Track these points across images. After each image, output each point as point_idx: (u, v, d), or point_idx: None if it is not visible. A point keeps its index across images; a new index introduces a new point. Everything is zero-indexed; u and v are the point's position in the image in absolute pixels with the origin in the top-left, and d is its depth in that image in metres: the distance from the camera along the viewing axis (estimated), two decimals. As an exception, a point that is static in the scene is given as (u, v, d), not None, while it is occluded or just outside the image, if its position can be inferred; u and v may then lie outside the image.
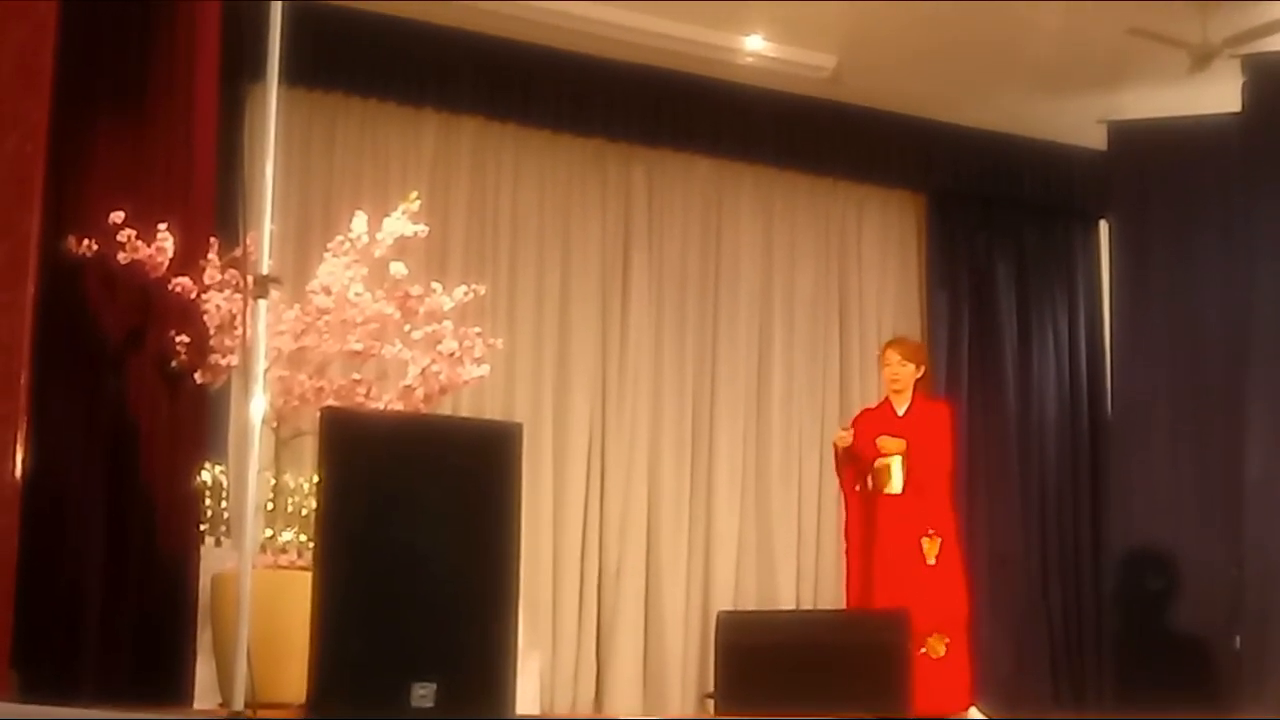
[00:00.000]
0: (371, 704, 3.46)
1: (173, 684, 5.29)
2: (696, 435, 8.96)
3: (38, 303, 4.72)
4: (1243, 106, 8.35)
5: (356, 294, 5.49)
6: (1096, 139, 9.28)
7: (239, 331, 4.89)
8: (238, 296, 5.12)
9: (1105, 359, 9.73)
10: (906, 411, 7.32)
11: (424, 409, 5.51)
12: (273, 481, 5.66)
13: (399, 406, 5.46)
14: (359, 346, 5.52)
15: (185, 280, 5.33)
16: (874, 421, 7.31)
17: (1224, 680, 7.99)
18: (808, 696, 5.56)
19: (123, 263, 5.25)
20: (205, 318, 5.34)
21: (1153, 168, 9.11)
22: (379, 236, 5.57)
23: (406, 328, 5.61)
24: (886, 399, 7.38)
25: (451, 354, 5.58)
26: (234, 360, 5.30)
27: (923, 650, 6.85)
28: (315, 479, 4.25)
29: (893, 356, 7.40)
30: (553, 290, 8.70)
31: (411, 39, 8.14)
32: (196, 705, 5.37)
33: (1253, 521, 8.02)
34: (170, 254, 5.30)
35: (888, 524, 7.14)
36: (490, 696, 3.64)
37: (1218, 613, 8.28)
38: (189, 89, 5.63)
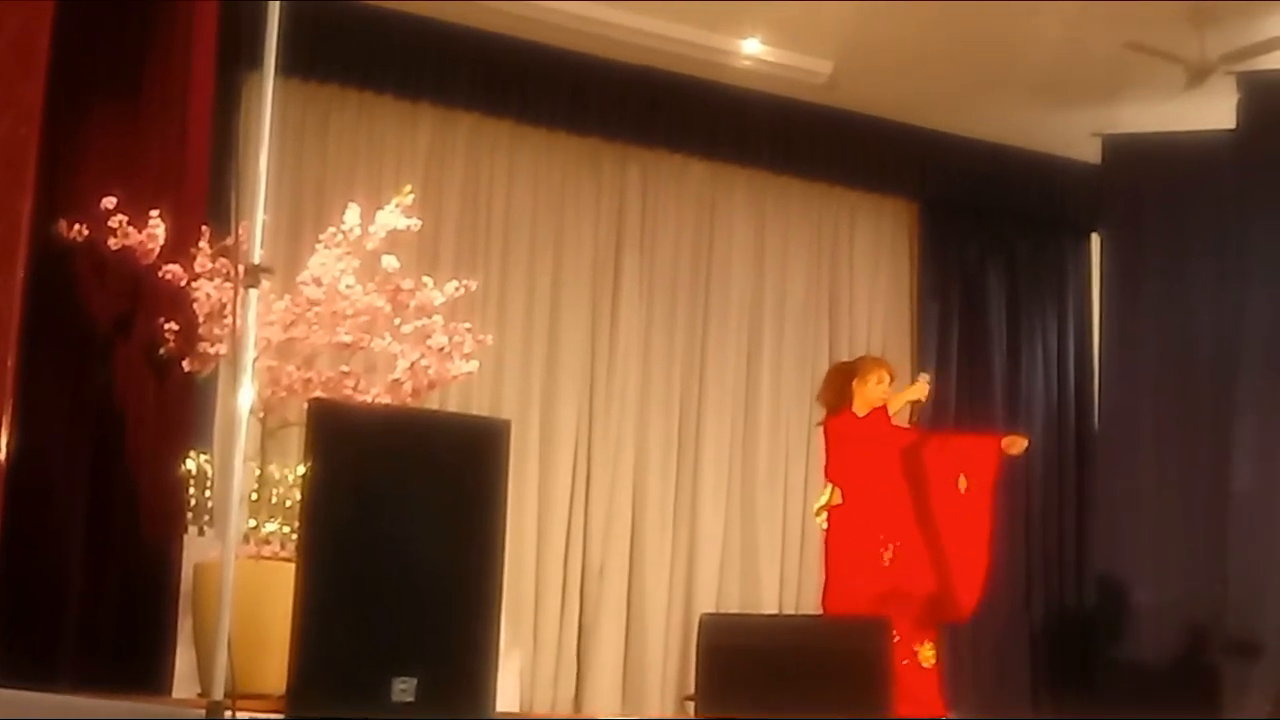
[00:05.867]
0: (352, 697, 3.45)
1: (152, 672, 5.29)
2: (683, 437, 8.95)
3: (27, 287, 4.71)
4: (1237, 124, 8.36)
5: (347, 286, 5.48)
6: (1091, 152, 9.29)
7: (228, 320, 4.89)
8: (228, 285, 5.13)
9: (1093, 373, 9.74)
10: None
11: (412, 403, 5.51)
12: (258, 472, 5.64)
13: (387, 400, 5.45)
14: (348, 339, 5.52)
15: (175, 268, 5.33)
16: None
17: (1206, 694, 7.99)
18: (789, 700, 5.56)
19: (113, 248, 5.25)
20: (195, 306, 5.33)
21: (1146, 183, 9.11)
22: (371, 229, 5.56)
23: (396, 321, 5.61)
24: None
25: (441, 349, 5.58)
26: (222, 349, 5.29)
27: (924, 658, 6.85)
28: (301, 470, 4.24)
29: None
30: (544, 288, 8.68)
31: (409, 33, 8.13)
32: (175, 694, 5.36)
33: (1237, 537, 8.03)
34: (161, 241, 5.30)
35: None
36: (471, 693, 3.63)
37: (1201, 628, 8.29)
38: (185, 76, 5.63)
